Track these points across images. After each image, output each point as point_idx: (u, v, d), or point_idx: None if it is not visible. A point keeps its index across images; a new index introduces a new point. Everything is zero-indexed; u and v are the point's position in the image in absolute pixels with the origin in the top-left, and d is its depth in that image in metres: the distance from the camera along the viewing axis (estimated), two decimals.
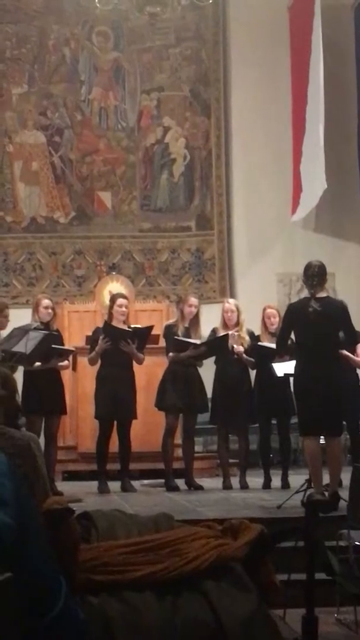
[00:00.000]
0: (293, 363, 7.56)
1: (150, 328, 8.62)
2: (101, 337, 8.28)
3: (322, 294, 6.93)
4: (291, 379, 7.43)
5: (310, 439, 6.93)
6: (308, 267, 6.98)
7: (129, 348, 8.26)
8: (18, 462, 3.03)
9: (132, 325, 8.62)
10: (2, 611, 1.44)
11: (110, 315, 8.51)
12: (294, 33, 12.03)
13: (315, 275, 6.90)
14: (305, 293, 7.37)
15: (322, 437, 7.12)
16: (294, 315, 6.98)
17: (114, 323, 8.39)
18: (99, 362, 8.42)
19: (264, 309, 8.83)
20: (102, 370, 8.41)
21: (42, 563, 1.57)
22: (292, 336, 7.16)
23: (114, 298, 8.67)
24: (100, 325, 8.65)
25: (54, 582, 1.60)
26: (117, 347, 8.22)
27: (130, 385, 8.34)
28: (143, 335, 8.42)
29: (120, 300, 8.54)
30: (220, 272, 12.24)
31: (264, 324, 8.73)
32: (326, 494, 6.71)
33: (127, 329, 8.38)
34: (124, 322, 8.46)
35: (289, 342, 7.28)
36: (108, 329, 8.32)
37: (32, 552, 1.54)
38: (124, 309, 8.48)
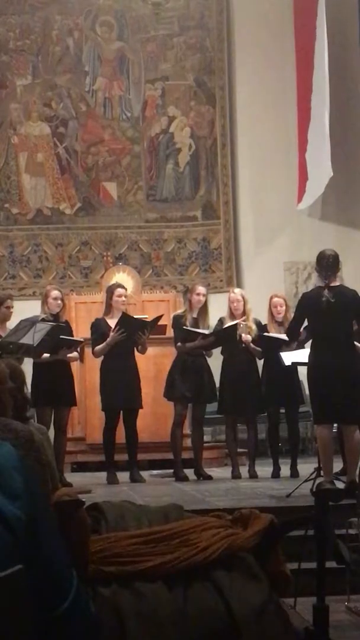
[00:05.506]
0: (301, 352, 7.56)
1: (160, 317, 8.63)
2: (114, 329, 8.22)
3: (335, 283, 6.93)
4: (299, 367, 7.40)
5: (323, 427, 6.93)
6: (322, 257, 6.95)
7: (143, 338, 8.25)
8: (21, 453, 3.03)
9: (136, 316, 8.62)
10: (14, 604, 1.44)
11: (109, 306, 8.46)
12: (298, 20, 11.97)
13: (329, 266, 6.87)
14: (312, 281, 7.36)
15: (334, 425, 7.13)
16: (308, 304, 6.97)
17: (115, 314, 8.36)
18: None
19: (271, 298, 8.82)
20: (106, 362, 8.40)
21: (54, 555, 1.56)
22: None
23: (112, 289, 8.61)
24: (100, 317, 8.60)
25: (66, 574, 1.59)
26: (129, 338, 8.19)
27: (134, 375, 8.33)
28: (154, 325, 8.44)
29: (119, 290, 8.50)
30: (227, 261, 12.21)
31: (271, 313, 8.72)
32: (336, 482, 6.71)
33: (144, 319, 8.38)
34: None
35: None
36: (126, 320, 8.25)
37: (44, 544, 1.54)
38: (123, 298, 8.46)
